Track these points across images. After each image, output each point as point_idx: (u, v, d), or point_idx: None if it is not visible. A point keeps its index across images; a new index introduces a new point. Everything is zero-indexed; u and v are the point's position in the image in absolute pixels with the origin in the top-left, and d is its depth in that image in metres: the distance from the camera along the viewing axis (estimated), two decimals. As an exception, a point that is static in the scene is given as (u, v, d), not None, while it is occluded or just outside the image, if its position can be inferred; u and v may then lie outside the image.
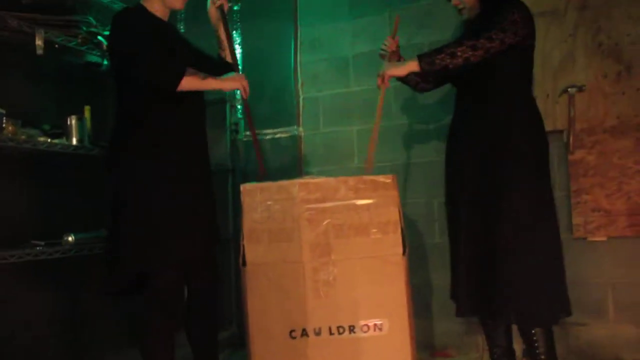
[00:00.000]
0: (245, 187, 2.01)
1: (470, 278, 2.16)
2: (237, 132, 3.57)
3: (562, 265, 2.15)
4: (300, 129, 3.44)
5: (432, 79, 2.51)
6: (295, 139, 3.45)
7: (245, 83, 2.26)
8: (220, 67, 2.46)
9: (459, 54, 2.12)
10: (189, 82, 2.07)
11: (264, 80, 3.45)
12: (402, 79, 2.49)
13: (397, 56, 2.50)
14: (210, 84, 2.18)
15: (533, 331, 2.10)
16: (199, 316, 2.24)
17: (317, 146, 3.41)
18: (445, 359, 2.98)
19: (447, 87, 2.61)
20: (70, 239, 2.39)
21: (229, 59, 2.49)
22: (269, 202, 1.98)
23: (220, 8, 2.39)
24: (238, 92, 3.50)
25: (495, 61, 2.16)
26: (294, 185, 1.98)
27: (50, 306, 2.56)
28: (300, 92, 3.45)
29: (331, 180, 2.00)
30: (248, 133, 3.53)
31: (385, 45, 2.46)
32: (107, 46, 2.36)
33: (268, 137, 3.47)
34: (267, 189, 2.00)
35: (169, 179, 2.06)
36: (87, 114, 2.68)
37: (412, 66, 2.19)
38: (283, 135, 3.47)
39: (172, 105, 2.12)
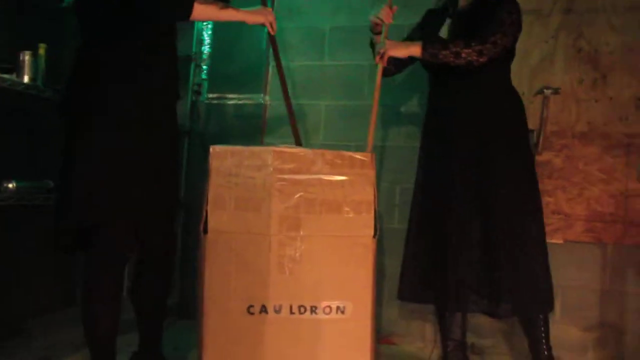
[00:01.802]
0: (214, 149, 1.87)
1: (461, 268, 2.17)
2: (199, 93, 3.39)
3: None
4: (267, 97, 3.31)
5: (402, 64, 2.47)
6: (260, 107, 3.31)
7: (272, 18, 2.10)
8: None
9: (463, 55, 2.12)
10: (203, 11, 1.89)
11: (234, 42, 3.30)
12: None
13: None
14: (231, 14, 1.99)
15: (542, 328, 2.21)
16: (148, 282, 2.09)
17: (282, 117, 3.27)
18: (390, 345, 2.95)
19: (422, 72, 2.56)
20: (11, 185, 2.19)
21: None
22: (239, 168, 1.85)
23: None
24: (204, 49, 3.42)
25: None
26: (268, 153, 1.86)
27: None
28: (271, 60, 3.30)
29: (308, 151, 1.89)
30: (211, 95, 3.37)
31: (382, 15, 2.33)
32: None
33: (232, 102, 3.32)
34: (238, 153, 1.86)
35: (123, 135, 1.87)
36: (41, 51, 2.46)
37: (414, 51, 2.16)
38: (248, 102, 3.32)
39: (141, 57, 1.92)
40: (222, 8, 1.95)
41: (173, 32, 2.07)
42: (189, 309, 3.17)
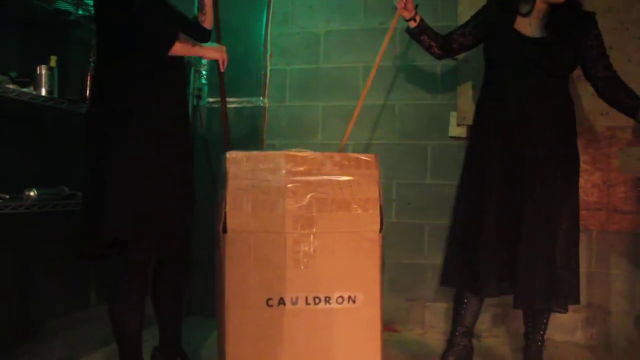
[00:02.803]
0: (231, 155, 2.01)
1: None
2: (200, 97, 3.51)
3: None
4: (266, 100, 3.44)
5: (454, 47, 2.57)
6: (259, 110, 3.44)
7: (225, 55, 2.27)
8: (197, 29, 2.41)
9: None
10: (181, 48, 2.05)
11: (232, 47, 3.39)
12: (414, 37, 2.56)
13: (412, 11, 2.49)
14: (195, 50, 2.18)
15: (545, 320, 2.42)
16: (168, 285, 2.24)
17: (281, 119, 3.43)
18: (392, 332, 3.11)
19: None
20: (32, 193, 2.29)
21: (207, 23, 2.45)
22: (254, 172, 1.99)
23: None
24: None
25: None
26: (281, 157, 2.01)
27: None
28: (269, 64, 3.44)
29: (318, 154, 2.04)
30: (211, 99, 3.49)
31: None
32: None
33: (232, 105, 3.44)
34: (253, 158, 2.01)
35: (152, 147, 2.00)
36: (53, 63, 2.56)
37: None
38: (247, 105, 3.46)
39: (158, 71, 2.06)
40: (193, 45, 2.13)
41: None
42: (198, 305, 3.32)
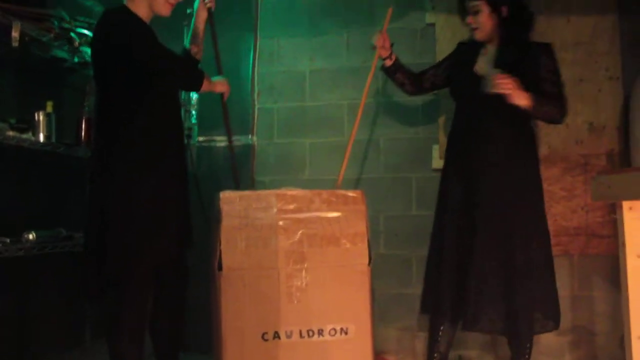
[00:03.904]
0: (224, 195, 2.11)
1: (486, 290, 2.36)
2: (190, 136, 3.61)
3: None
4: (254, 138, 3.54)
5: (425, 86, 2.74)
6: (248, 148, 3.54)
7: (227, 87, 2.47)
8: (193, 62, 2.52)
9: (553, 113, 2.43)
10: (206, 84, 2.28)
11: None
12: (389, 75, 2.74)
13: (389, 50, 2.67)
14: (210, 85, 2.36)
15: (528, 345, 2.45)
16: (166, 320, 2.30)
17: (269, 156, 3.52)
18: (384, 362, 3.17)
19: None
20: (31, 236, 2.37)
21: (199, 55, 2.56)
22: (247, 210, 2.09)
23: (209, 10, 2.51)
24: (193, 96, 3.66)
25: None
26: (272, 196, 2.10)
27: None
28: (256, 102, 3.55)
29: (307, 192, 2.14)
30: (201, 138, 3.59)
31: (374, 39, 2.65)
32: (95, 42, 2.25)
33: (222, 144, 3.53)
34: (246, 197, 2.10)
35: (153, 184, 2.11)
36: (49, 109, 2.66)
37: (524, 100, 2.30)
38: (237, 143, 3.52)
39: (157, 108, 2.18)
40: (207, 80, 2.35)
41: None
42: (195, 342, 3.35)
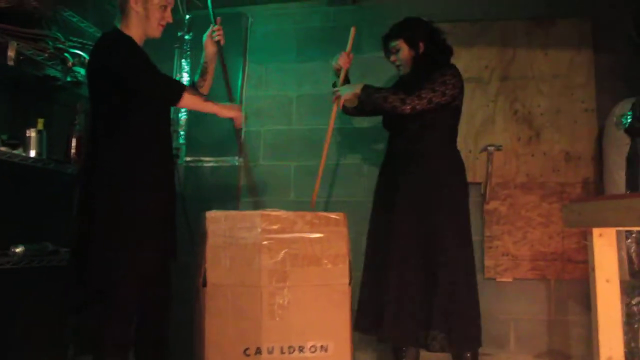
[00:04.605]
0: (210, 214, 2.17)
1: (408, 307, 2.39)
2: (177, 157, 3.66)
3: None
4: (241, 159, 3.61)
5: (359, 107, 2.84)
6: (235, 169, 3.60)
7: (240, 114, 2.49)
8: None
9: (389, 100, 2.48)
10: (191, 100, 2.26)
11: (209, 109, 3.60)
12: (348, 112, 2.90)
13: (345, 76, 2.77)
14: (210, 107, 2.37)
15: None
16: (149, 331, 2.32)
17: (255, 178, 3.59)
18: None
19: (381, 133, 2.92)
20: (18, 250, 2.40)
21: (206, 89, 2.63)
22: (232, 230, 2.15)
23: (218, 42, 2.57)
24: (181, 116, 3.73)
25: (428, 115, 2.50)
26: (257, 216, 2.17)
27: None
28: (244, 125, 3.61)
29: (290, 213, 2.21)
30: (188, 158, 3.65)
31: (340, 61, 2.74)
32: (90, 63, 2.32)
33: (209, 164, 3.60)
34: (231, 217, 2.17)
35: (143, 196, 2.15)
36: (40, 126, 2.71)
37: (357, 89, 2.56)
38: (224, 164, 3.61)
39: (148, 127, 2.24)
40: (204, 100, 2.35)
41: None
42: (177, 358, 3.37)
